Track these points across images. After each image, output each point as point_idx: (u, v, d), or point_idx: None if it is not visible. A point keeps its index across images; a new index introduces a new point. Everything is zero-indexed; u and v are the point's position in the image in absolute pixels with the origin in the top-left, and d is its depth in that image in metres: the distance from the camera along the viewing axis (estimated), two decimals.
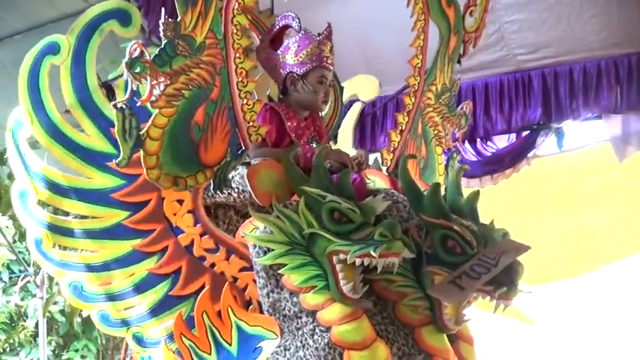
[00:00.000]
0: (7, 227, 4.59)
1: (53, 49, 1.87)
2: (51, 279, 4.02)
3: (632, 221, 3.83)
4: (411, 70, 2.27)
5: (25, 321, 4.95)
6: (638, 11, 3.29)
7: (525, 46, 3.57)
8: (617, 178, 3.84)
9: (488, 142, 3.93)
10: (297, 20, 2.05)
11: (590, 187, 3.94)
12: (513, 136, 3.93)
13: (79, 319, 4.65)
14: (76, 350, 4.76)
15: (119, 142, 1.61)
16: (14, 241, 4.49)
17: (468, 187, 3.06)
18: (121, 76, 1.86)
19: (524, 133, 3.87)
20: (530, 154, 3.97)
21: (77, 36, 1.86)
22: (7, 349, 4.88)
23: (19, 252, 4.45)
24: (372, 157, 2.32)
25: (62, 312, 4.73)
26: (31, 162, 1.91)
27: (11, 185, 3.98)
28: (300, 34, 2.04)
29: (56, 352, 4.87)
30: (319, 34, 2.04)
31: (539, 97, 3.69)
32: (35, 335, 4.68)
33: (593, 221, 3.93)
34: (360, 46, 3.51)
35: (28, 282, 4.58)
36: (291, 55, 2.03)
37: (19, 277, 4.92)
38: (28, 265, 4.42)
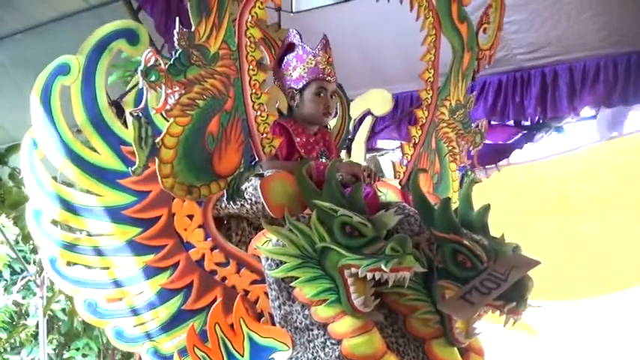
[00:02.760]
0: (6, 226, 4.60)
1: (64, 70, 1.88)
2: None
3: (630, 226, 3.84)
4: (423, 84, 2.27)
5: (26, 319, 4.98)
6: (637, 10, 3.28)
7: (525, 45, 3.55)
8: (612, 181, 3.85)
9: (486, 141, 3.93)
10: (298, 36, 2.08)
11: (586, 191, 3.94)
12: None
13: (80, 318, 4.67)
14: (78, 349, 4.80)
15: (135, 150, 1.62)
16: (17, 242, 4.50)
17: None
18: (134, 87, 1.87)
19: (524, 133, 3.88)
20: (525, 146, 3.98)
21: (87, 56, 1.88)
22: (9, 349, 4.90)
23: (20, 251, 4.47)
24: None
25: (64, 310, 4.75)
26: (44, 181, 1.92)
27: (15, 187, 4.00)
28: (299, 49, 2.06)
29: (57, 350, 4.90)
30: (316, 47, 2.06)
31: (539, 96, 3.69)
32: (36, 334, 4.70)
33: (590, 226, 3.94)
34: (359, 49, 3.49)
35: (29, 281, 4.60)
36: (290, 70, 2.07)
37: (20, 276, 4.94)
38: (29, 264, 4.44)
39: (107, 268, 1.93)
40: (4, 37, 3.90)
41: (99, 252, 1.92)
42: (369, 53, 3.47)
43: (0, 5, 3.64)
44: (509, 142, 4.01)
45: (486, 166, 4.01)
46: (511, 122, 3.94)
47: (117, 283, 1.92)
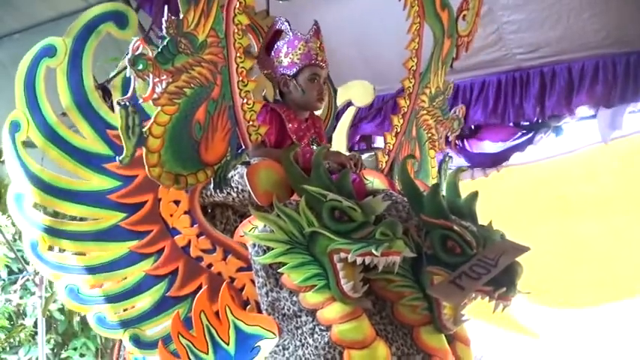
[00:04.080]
0: (6, 226, 4.60)
1: (49, 52, 1.85)
2: None
3: (630, 227, 3.82)
4: (407, 73, 2.28)
5: (24, 319, 4.96)
6: (637, 11, 3.29)
7: (524, 45, 3.56)
8: (611, 182, 3.83)
9: (486, 141, 3.93)
10: (287, 23, 2.07)
11: (585, 193, 3.93)
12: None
13: (77, 318, 4.65)
14: (75, 349, 4.78)
15: (122, 139, 1.60)
16: (14, 240, 4.49)
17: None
18: (121, 72, 1.86)
19: (523, 132, 3.87)
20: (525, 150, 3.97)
21: (74, 38, 1.85)
22: (7, 349, 4.88)
23: (18, 250, 4.45)
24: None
25: (61, 310, 4.73)
26: (27, 164, 1.89)
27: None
28: (290, 36, 2.05)
29: (55, 350, 4.88)
30: (307, 33, 2.05)
31: (538, 95, 3.69)
32: (34, 334, 4.68)
33: (589, 228, 3.92)
34: (357, 46, 3.50)
35: (27, 280, 4.58)
36: (282, 57, 2.06)
37: (18, 275, 4.92)
38: (27, 264, 4.43)
39: (90, 253, 1.89)
40: (3, 37, 3.91)
41: (82, 237, 1.88)
42: (358, 43, 3.48)
43: None
44: (508, 145, 3.99)
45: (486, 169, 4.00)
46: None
47: (100, 269, 1.88)
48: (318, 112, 2.29)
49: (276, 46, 2.08)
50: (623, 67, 3.44)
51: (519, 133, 3.97)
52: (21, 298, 4.98)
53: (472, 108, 3.69)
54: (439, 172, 2.00)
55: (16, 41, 3.91)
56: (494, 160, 4.00)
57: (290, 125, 2.05)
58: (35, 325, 4.54)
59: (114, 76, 1.99)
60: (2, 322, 4.94)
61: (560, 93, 3.62)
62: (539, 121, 3.82)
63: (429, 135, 2.39)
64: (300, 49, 2.03)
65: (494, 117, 3.70)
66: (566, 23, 3.42)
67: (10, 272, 5.02)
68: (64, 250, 1.91)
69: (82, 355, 4.85)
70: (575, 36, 3.45)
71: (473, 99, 3.69)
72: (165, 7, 1.70)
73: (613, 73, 3.47)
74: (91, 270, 1.89)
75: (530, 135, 3.83)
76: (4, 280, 5.06)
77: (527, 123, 3.89)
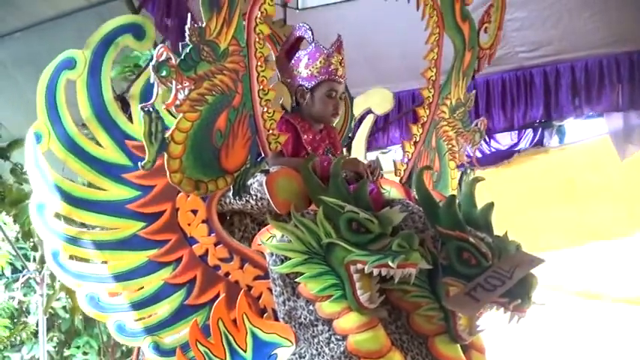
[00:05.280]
0: (6, 224, 4.61)
1: (69, 64, 1.87)
2: (53, 277, 4.03)
3: (634, 216, 3.87)
4: (425, 82, 2.29)
5: (27, 317, 4.99)
6: (637, 10, 3.30)
7: (527, 44, 3.58)
8: (618, 173, 3.86)
9: (491, 141, 3.96)
10: (310, 32, 2.07)
11: (592, 182, 3.96)
12: (514, 133, 3.97)
13: (80, 316, 4.67)
14: (78, 347, 4.81)
15: (145, 145, 1.62)
16: (17, 240, 4.50)
17: None
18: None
19: (528, 132, 3.90)
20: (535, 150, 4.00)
21: (93, 50, 1.87)
22: (9, 346, 4.90)
23: (20, 248, 4.47)
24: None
25: (65, 308, 4.76)
26: (48, 174, 1.91)
27: (15, 185, 4.00)
28: (312, 47, 2.06)
29: (58, 348, 4.90)
30: (330, 47, 2.06)
31: (541, 94, 3.71)
32: (37, 332, 4.70)
33: (596, 216, 3.96)
34: (359, 47, 3.50)
35: (29, 279, 4.61)
36: (302, 67, 2.07)
37: (21, 273, 4.95)
38: (29, 262, 4.44)
39: (110, 262, 1.92)
40: (4, 36, 3.89)
41: (102, 246, 1.91)
42: (372, 51, 3.48)
43: (0, 4, 3.63)
44: (515, 148, 4.02)
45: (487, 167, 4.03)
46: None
47: (119, 277, 1.91)
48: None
49: (297, 55, 2.09)
50: (627, 67, 3.46)
51: (523, 134, 3.99)
52: (25, 296, 5.00)
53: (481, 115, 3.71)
54: (460, 183, 2.01)
55: (17, 40, 3.89)
56: (501, 158, 4.03)
57: (305, 136, 2.06)
58: (38, 323, 4.56)
59: (130, 86, 1.99)
60: (4, 321, 4.96)
61: (565, 95, 3.64)
62: (543, 120, 3.85)
63: (449, 146, 2.40)
64: (320, 62, 2.04)
65: (504, 122, 3.72)
66: (568, 22, 3.44)
67: (14, 270, 5.04)
68: (85, 260, 1.93)
69: (85, 354, 4.89)
70: (577, 34, 3.47)
71: (481, 107, 3.70)
72: (189, 14, 1.71)
73: (617, 73, 3.49)
74: (111, 279, 1.91)
75: (537, 136, 3.86)
76: (7, 278, 5.08)
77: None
